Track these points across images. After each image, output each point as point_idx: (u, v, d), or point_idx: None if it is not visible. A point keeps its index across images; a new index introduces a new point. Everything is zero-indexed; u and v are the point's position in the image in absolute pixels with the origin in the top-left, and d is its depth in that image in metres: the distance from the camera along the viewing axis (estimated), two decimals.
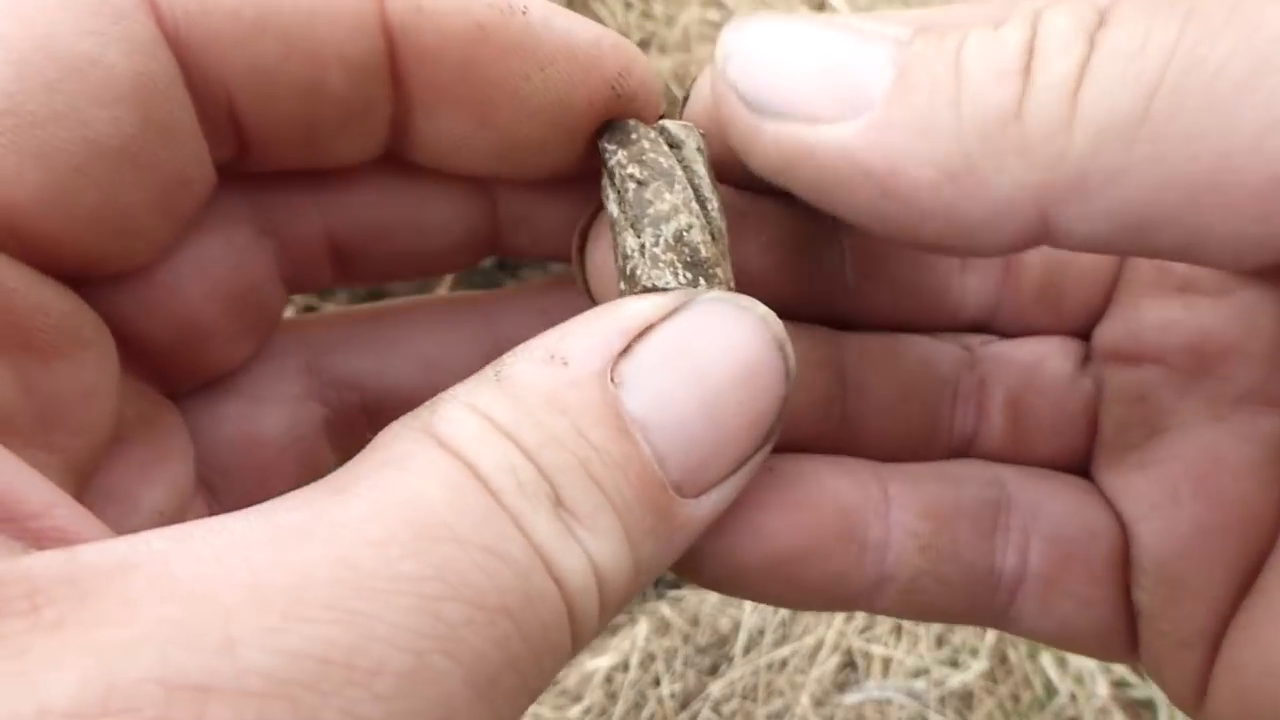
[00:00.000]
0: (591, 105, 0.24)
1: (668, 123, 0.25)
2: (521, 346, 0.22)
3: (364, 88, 0.23)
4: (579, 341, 0.21)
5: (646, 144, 0.24)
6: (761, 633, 1.07)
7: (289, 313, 0.30)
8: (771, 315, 0.23)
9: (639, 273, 0.23)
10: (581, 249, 0.26)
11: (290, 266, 0.28)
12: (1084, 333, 0.30)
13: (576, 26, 0.23)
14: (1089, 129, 0.19)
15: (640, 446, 0.21)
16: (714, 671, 1.05)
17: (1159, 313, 0.28)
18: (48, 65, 0.20)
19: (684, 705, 1.03)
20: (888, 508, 0.27)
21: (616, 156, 0.24)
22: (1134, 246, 0.20)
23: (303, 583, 0.17)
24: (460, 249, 0.29)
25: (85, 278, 0.22)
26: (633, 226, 0.24)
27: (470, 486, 0.19)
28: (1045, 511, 0.27)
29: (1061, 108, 0.19)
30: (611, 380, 0.21)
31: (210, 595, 0.16)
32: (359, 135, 0.24)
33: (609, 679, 1.05)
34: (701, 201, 0.24)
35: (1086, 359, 0.29)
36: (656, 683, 1.05)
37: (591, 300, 0.26)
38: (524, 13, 0.23)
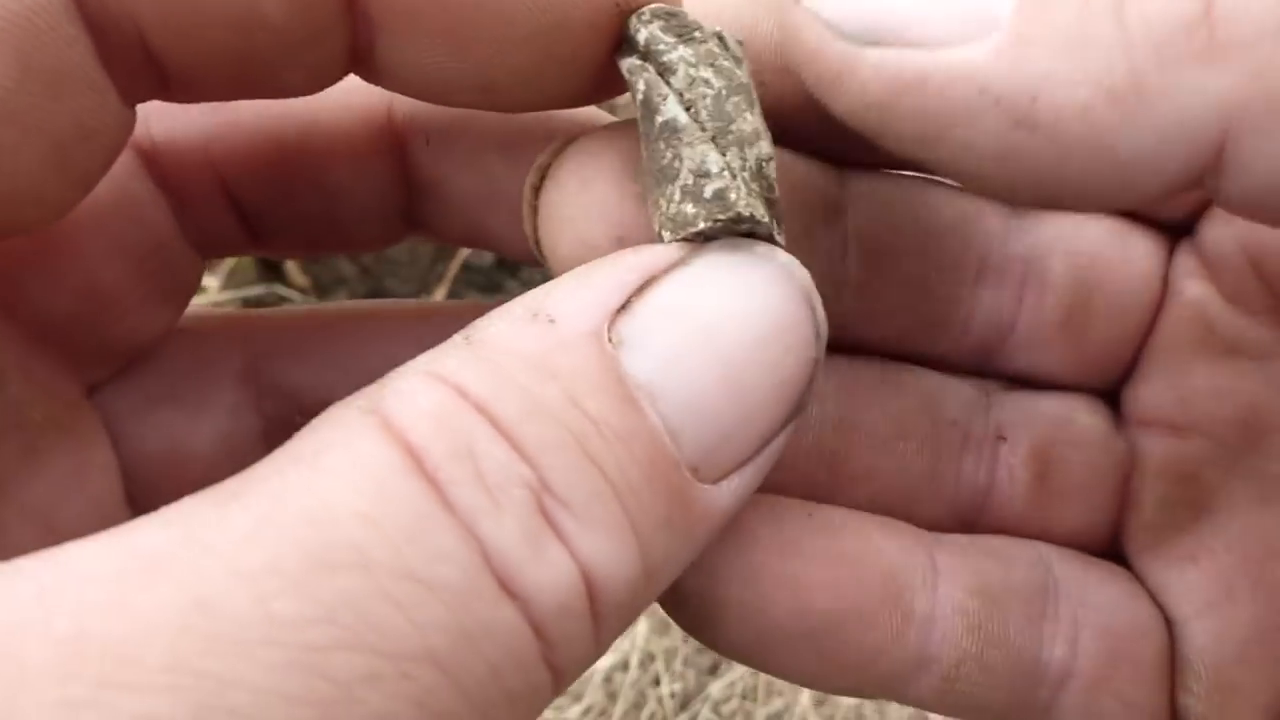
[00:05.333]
0: (593, 28, 0.20)
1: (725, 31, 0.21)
2: (499, 307, 0.18)
3: (309, 16, 0.19)
4: (568, 297, 0.18)
5: (715, 47, 0.20)
6: None
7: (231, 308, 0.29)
8: (796, 264, 0.19)
9: (732, 196, 0.19)
10: (537, 191, 0.22)
11: (194, 225, 0.25)
12: (1106, 385, 0.26)
13: None
14: None
15: (648, 417, 0.17)
16: (714, 671, 1.05)
17: (1210, 380, 0.25)
18: None
19: (684, 705, 1.03)
20: (936, 579, 0.24)
21: (679, 51, 0.20)
22: None
23: (137, 635, 0.13)
24: (371, 217, 0.26)
25: None
26: (715, 140, 0.19)
27: (404, 488, 0.15)
28: (1094, 602, 0.24)
29: (1268, 4, 0.16)
30: (609, 340, 0.18)
31: (13, 654, 0.13)
32: (308, 67, 0.20)
33: (609, 679, 1.05)
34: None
35: (1118, 420, 0.26)
36: (656, 682, 1.04)
37: (544, 263, 0.22)
38: None
